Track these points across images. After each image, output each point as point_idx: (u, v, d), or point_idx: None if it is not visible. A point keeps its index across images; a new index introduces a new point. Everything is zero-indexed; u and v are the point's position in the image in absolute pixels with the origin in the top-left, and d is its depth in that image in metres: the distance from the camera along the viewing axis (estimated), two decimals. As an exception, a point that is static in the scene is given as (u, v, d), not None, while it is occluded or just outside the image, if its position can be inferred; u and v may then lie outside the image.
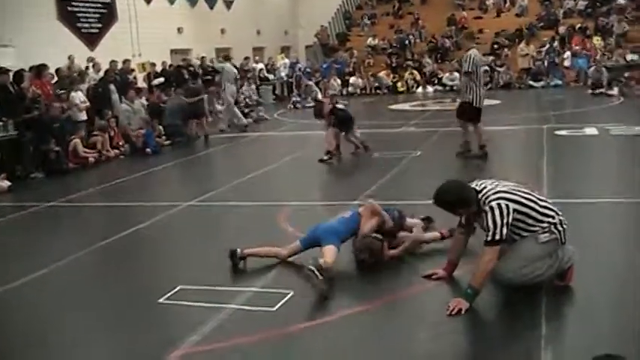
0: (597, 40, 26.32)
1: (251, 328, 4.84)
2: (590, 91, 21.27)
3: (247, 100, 22.09)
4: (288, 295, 5.37)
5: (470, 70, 10.91)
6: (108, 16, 20.91)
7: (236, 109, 17.69)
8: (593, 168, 10.44)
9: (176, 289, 5.68)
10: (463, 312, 4.82)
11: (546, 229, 5.08)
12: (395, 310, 5.20)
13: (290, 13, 33.74)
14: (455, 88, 23.95)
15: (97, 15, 20.57)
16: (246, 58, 26.50)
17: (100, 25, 20.57)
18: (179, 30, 24.99)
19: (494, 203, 4.93)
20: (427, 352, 4.40)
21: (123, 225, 8.17)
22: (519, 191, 5.11)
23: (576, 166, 10.51)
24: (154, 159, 13.29)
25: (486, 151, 11.16)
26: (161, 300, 5.49)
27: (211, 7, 27.49)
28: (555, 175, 9.50)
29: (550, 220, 5.11)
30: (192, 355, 4.48)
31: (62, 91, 13.88)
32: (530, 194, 5.16)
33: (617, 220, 7.37)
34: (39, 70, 13.63)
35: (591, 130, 13.44)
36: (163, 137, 15.20)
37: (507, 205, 4.92)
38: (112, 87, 15.21)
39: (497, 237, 4.90)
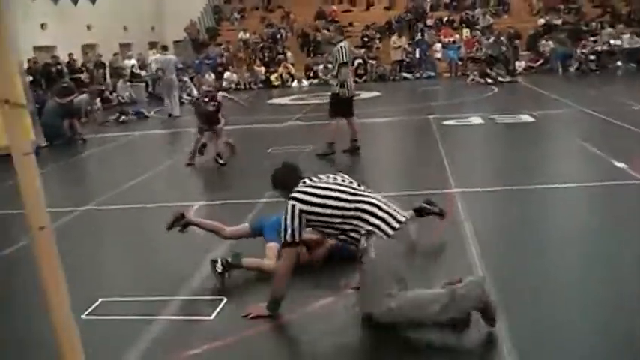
0: (466, 33, 27.13)
1: (192, 340, 4.53)
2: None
3: (120, 97, 21.39)
4: (223, 302, 5.09)
5: (345, 60, 10.63)
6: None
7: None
8: (492, 156, 10.69)
9: (97, 303, 5.25)
10: (263, 318, 4.69)
11: (362, 232, 4.46)
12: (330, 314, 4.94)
13: (156, 8, 32.94)
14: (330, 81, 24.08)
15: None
16: (115, 55, 25.68)
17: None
18: (42, 26, 23.82)
19: (288, 203, 4.59)
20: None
21: (17, 235, 7.54)
22: (326, 189, 4.57)
23: (474, 155, 10.73)
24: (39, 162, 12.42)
25: (334, 150, 10.87)
26: (84, 316, 5.05)
27: (75, 3, 26.32)
28: (456, 165, 9.60)
29: (363, 217, 4.45)
30: (135, 374, 4.15)
31: None
32: (339, 190, 4.56)
33: (521, 206, 7.50)
34: None
35: (477, 120, 13.77)
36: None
37: (293, 206, 4.50)
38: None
39: (287, 239, 4.53)
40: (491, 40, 24.25)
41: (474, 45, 25.80)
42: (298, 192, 4.57)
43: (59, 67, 20.67)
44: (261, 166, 10.54)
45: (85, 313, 5.09)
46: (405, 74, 25.39)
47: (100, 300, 5.29)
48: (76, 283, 5.80)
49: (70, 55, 22.68)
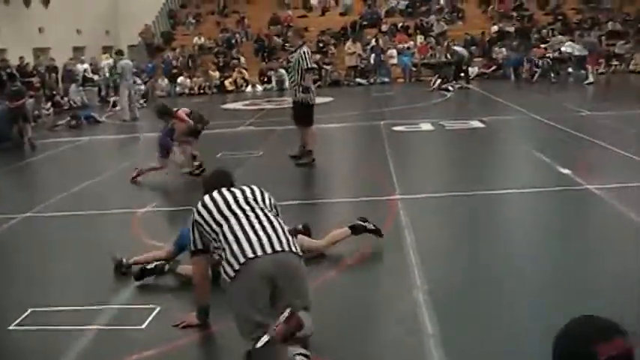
0: (420, 39, 27.29)
1: (123, 350, 4.44)
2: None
3: (72, 102, 21.11)
4: (155, 311, 5.00)
5: (310, 66, 10.40)
6: None
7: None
8: (438, 162, 10.75)
9: (27, 313, 5.13)
10: (194, 327, 4.65)
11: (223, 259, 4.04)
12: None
13: (110, 11, 32.63)
14: (284, 87, 24.08)
15: None
16: (72, 59, 25.33)
17: None
18: (-7, 28, 23.43)
19: None
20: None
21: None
22: (216, 200, 4.28)
23: (421, 161, 10.79)
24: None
25: (314, 157, 10.60)
26: (12, 327, 4.93)
27: (27, 5, 25.99)
28: (402, 172, 9.62)
29: (225, 245, 4.02)
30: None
31: None
32: (222, 203, 4.25)
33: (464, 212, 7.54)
34: None
35: (427, 126, 13.83)
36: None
37: (194, 212, 4.33)
38: None
39: (191, 248, 4.43)
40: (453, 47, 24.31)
41: (428, 51, 25.98)
42: (199, 201, 4.35)
43: (9, 70, 20.23)
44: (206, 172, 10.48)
45: (14, 323, 4.98)
46: (359, 80, 25.44)
47: (29, 310, 5.18)
48: (5, 294, 5.77)
49: (21, 58, 22.25)
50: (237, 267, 3.85)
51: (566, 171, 8.84)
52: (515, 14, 29.34)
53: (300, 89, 10.48)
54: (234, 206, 4.18)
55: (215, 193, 4.32)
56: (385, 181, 8.93)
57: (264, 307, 3.82)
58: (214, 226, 4.13)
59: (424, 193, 8.34)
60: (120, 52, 19.28)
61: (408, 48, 26.32)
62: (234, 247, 3.92)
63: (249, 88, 25.45)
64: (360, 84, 25.23)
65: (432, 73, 23.93)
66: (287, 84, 24.81)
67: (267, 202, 4.33)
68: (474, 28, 27.98)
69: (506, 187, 8.46)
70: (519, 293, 5.04)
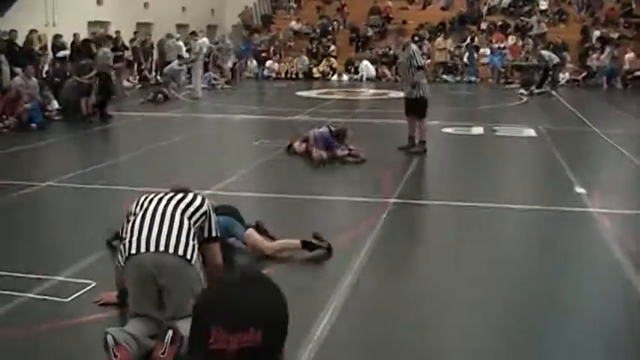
0: (512, 39, 26.76)
1: (33, 319, 4.83)
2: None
3: (159, 78, 21.92)
4: (89, 287, 5.36)
5: (421, 64, 10.90)
6: (21, -18, 20.31)
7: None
8: (457, 169, 10.72)
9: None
10: (112, 305, 4.90)
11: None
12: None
13: (217, -10, 33.46)
14: (369, 77, 24.29)
15: (9, -21, 19.96)
16: (169, 35, 26.10)
17: (11, -9, 19.97)
18: (98, 2, 24.45)
19: None
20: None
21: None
22: (152, 194, 4.60)
23: (442, 166, 10.82)
24: (36, 135, 13.02)
25: (426, 147, 11.04)
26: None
27: (134, -20, 27.02)
28: (417, 175, 9.69)
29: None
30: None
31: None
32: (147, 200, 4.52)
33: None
34: None
35: (478, 130, 13.73)
36: (54, 112, 14.95)
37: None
38: (3, 57, 14.83)
39: (120, 234, 4.71)
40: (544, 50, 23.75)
41: (520, 52, 25.46)
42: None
43: (102, 43, 21.20)
44: (225, 158, 10.90)
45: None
46: (445, 77, 25.25)
47: (-13, 272, 5.65)
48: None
49: (117, 32, 23.26)
50: (122, 260, 4.25)
51: (581, 191, 8.66)
52: (622, 20, 28.25)
53: (410, 85, 11.03)
54: (151, 202, 4.45)
55: (154, 193, 4.62)
56: (391, 182, 9.01)
57: (148, 300, 4.19)
58: (131, 216, 4.47)
59: (424, 199, 8.43)
60: (194, 33, 19.86)
61: (500, 48, 25.86)
62: (126, 240, 4.26)
63: (335, 77, 25.72)
64: (445, 81, 25.04)
65: (520, 75, 23.47)
66: (369, 75, 25.17)
67: (188, 207, 4.47)
68: (576, 32, 27.18)
69: (509, 201, 8.36)
70: (435, 315, 5.11)
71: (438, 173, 10.43)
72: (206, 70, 22.60)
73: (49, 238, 6.83)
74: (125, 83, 19.89)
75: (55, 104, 15.24)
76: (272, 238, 6.30)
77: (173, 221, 4.29)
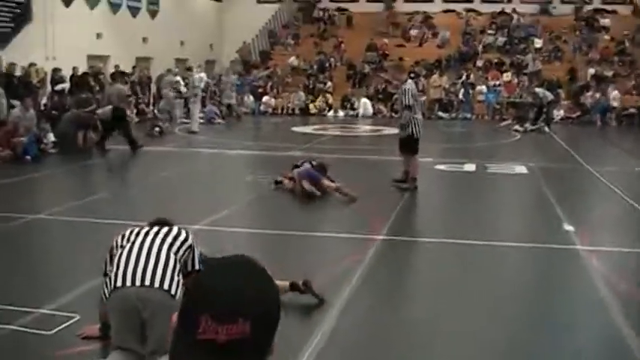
0: (507, 76, 27.02)
1: (16, 352, 4.86)
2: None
3: (155, 111, 22.06)
4: (73, 320, 5.39)
5: (410, 103, 10.90)
6: (21, 16, 20.57)
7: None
8: (449, 206, 10.79)
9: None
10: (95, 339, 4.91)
11: None
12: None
13: (216, 27, 33.78)
14: (364, 115, 24.56)
15: (10, 14, 20.21)
16: (169, 70, 26.33)
17: (12, 25, 20.21)
18: (98, 36, 24.68)
19: None
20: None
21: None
22: (139, 228, 4.62)
23: (433, 203, 10.89)
24: (31, 167, 13.10)
25: (416, 184, 11.05)
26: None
27: (134, 16, 27.34)
28: (407, 211, 9.75)
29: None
30: None
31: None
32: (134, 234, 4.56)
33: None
34: None
35: (470, 167, 13.80)
36: (50, 144, 15.05)
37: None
38: (1, 90, 14.95)
39: (104, 269, 4.68)
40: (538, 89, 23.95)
41: (515, 89, 25.69)
42: None
43: (101, 77, 21.46)
44: (217, 193, 10.97)
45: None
46: (440, 113, 25.44)
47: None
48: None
49: (116, 66, 23.50)
50: (107, 293, 4.28)
51: (569, 228, 8.72)
52: (616, 59, 28.56)
53: (399, 125, 11.27)
54: (138, 236, 4.48)
55: (140, 227, 4.64)
56: (380, 219, 9.06)
57: (131, 333, 4.21)
58: (117, 249, 4.50)
59: (412, 236, 8.47)
60: (190, 69, 20.11)
61: (495, 86, 26.09)
62: (113, 273, 4.29)
63: (331, 113, 25.92)
64: (440, 118, 25.22)
65: (515, 112, 23.66)
66: (365, 112, 25.39)
67: (174, 241, 4.49)
68: (570, 70, 27.43)
69: (497, 238, 8.43)
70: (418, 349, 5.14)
71: (428, 210, 10.50)
72: (203, 105, 22.81)
73: (36, 271, 6.86)
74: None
75: (51, 137, 15.33)
76: None
77: (159, 256, 4.33)
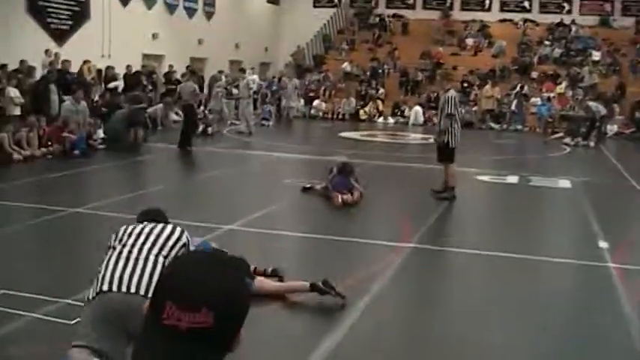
0: (560, 89, 26.63)
1: (36, 339, 5.03)
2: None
3: (205, 112, 22.34)
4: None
5: (452, 112, 10.97)
6: (80, 15, 21.09)
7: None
8: (484, 217, 10.76)
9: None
10: None
11: None
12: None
13: (272, 30, 34.07)
14: (414, 123, 24.51)
15: (69, 12, 20.74)
16: (220, 72, 26.66)
17: (71, 23, 20.74)
18: (154, 35, 25.14)
19: None
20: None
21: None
22: (130, 227, 4.45)
23: (471, 214, 10.86)
24: (77, 162, 13.46)
25: (455, 194, 11.09)
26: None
27: (190, 17, 27.76)
28: (441, 221, 9.75)
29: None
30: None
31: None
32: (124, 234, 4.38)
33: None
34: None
35: (513, 179, 13.69)
36: (99, 140, 15.41)
37: None
38: (53, 87, 15.38)
39: None
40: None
41: (568, 102, 25.30)
42: None
43: (154, 76, 21.86)
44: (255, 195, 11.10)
45: (-20, 301, 5.73)
46: (492, 124, 25.22)
47: (1, 291, 5.91)
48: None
49: (170, 66, 23.91)
50: (92, 295, 4.11)
51: (603, 245, 8.61)
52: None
53: (439, 130, 11.29)
54: (130, 237, 4.31)
55: (133, 224, 4.51)
56: (413, 227, 9.08)
57: (108, 340, 3.96)
58: (110, 249, 4.38)
59: (443, 245, 8.46)
60: (242, 70, 20.37)
61: (549, 99, 25.72)
62: (99, 275, 4.15)
63: (381, 120, 25.93)
64: (491, 128, 25.01)
65: (567, 126, 23.30)
66: (415, 120, 25.32)
67: (167, 241, 4.31)
68: (629, 85, 26.91)
69: (528, 252, 8.31)
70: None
71: (463, 220, 10.47)
72: (254, 107, 23.07)
73: (64, 263, 7.07)
74: (173, 117, 20.33)
75: (101, 133, 15.71)
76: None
77: (147, 261, 4.14)
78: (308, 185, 11.23)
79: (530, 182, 13.42)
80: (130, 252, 4.19)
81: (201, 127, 18.96)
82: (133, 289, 3.99)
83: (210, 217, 9.35)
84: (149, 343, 1.32)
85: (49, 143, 13.95)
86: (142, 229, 4.37)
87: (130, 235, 4.32)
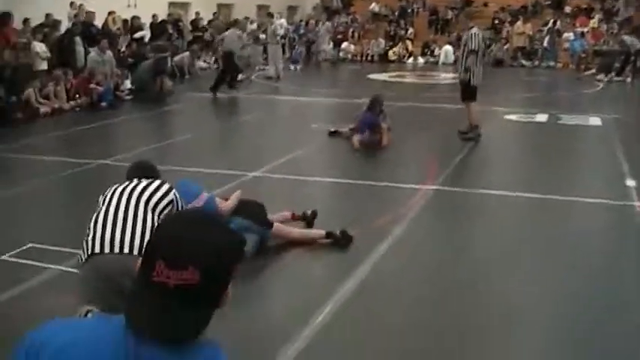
0: (594, 23, 26.01)
1: (64, 291, 5.13)
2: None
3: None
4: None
5: (474, 48, 10.88)
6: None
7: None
8: (510, 157, 10.67)
9: (25, 247, 6.00)
10: None
11: None
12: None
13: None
14: (444, 62, 24.16)
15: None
16: (246, 18, 26.41)
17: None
18: (180, -17, 24.96)
19: None
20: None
21: (27, 178, 8.53)
22: (118, 185, 4.31)
23: (497, 154, 10.76)
24: (105, 114, 13.55)
25: (479, 132, 11.04)
26: (4, 257, 5.82)
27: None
28: (466, 162, 9.69)
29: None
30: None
31: (23, 40, 14.15)
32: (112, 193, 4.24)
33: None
34: (3, 18, 13.87)
35: (542, 117, 13.51)
36: (126, 91, 15.49)
37: None
38: (78, 39, 15.39)
39: None
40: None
41: (602, 37, 24.74)
42: None
43: (180, 24, 21.77)
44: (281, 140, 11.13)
45: (8, 254, 5.87)
46: (523, 61, 24.81)
47: (29, 245, 6.04)
48: (21, 229, 6.68)
49: (197, 13, 23.78)
50: (83, 258, 4.05)
51: (631, 183, 8.50)
52: None
53: (463, 68, 11.13)
54: (114, 196, 4.19)
55: (121, 183, 4.36)
56: (439, 168, 9.05)
57: (104, 298, 3.87)
58: (97, 209, 4.28)
59: (467, 187, 8.40)
60: (270, 14, 20.20)
61: (582, 34, 25.15)
62: (89, 237, 4.04)
63: (410, 60, 25.64)
64: (523, 65, 24.61)
65: (600, 61, 22.81)
66: (445, 59, 24.98)
67: (152, 196, 4.18)
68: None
69: (553, 191, 8.22)
70: (450, 315, 5.18)
71: (489, 161, 10.35)
72: (283, 52, 22.93)
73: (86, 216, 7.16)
74: (201, 64, 20.31)
75: (128, 84, 15.77)
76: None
77: (136, 218, 4.03)
78: (334, 129, 11.24)
79: (559, 120, 13.23)
80: (116, 210, 4.07)
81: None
82: (126, 249, 3.90)
83: (236, 163, 9.42)
84: (140, 300, 1.38)
85: (77, 96, 14.04)
86: (129, 185, 4.25)
87: (117, 193, 4.19)
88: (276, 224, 6.25)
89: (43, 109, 13.02)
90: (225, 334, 4.64)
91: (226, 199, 6.06)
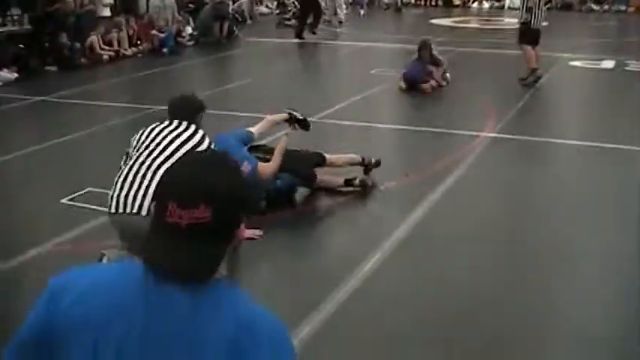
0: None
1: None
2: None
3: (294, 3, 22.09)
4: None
5: None
6: None
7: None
8: (573, 105, 10.42)
9: (84, 191, 6.15)
10: None
11: None
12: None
13: None
14: (510, 6, 23.51)
15: None
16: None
17: None
18: None
19: None
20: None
21: (87, 124, 8.70)
22: (149, 130, 4.29)
23: (558, 102, 10.53)
24: (166, 60, 13.67)
25: (538, 75, 10.88)
26: (63, 200, 5.99)
27: None
28: (526, 109, 9.52)
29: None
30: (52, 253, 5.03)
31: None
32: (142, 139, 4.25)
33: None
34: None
35: (608, 64, 13.11)
36: (187, 37, 15.57)
37: None
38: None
39: None
40: None
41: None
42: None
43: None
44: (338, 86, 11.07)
45: (67, 197, 6.02)
46: (592, 5, 23.99)
47: (87, 189, 6.18)
48: (83, 172, 6.82)
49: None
50: (108, 211, 4.18)
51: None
52: None
53: (525, 8, 10.94)
54: (143, 147, 4.19)
55: (153, 125, 4.34)
56: (498, 116, 8.90)
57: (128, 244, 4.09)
58: (126, 158, 4.34)
59: (524, 135, 8.26)
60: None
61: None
62: (112, 192, 4.14)
63: (475, 5, 25.08)
64: (592, 10, 23.80)
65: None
66: (511, 4, 24.29)
67: (177, 149, 4.12)
68: None
69: (618, 142, 7.92)
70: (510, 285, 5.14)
71: (549, 108, 10.17)
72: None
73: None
74: (262, 9, 20.24)
75: (189, 30, 15.84)
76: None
77: (155, 175, 4.00)
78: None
79: (626, 67, 12.82)
80: (140, 165, 4.08)
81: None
82: (132, 209, 3.98)
83: (294, 108, 9.38)
84: (155, 241, 1.41)
85: (139, 42, 14.19)
86: (160, 134, 4.19)
87: (146, 142, 4.17)
88: (319, 178, 6.23)
89: (105, 56, 13.21)
90: (279, 278, 4.77)
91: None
